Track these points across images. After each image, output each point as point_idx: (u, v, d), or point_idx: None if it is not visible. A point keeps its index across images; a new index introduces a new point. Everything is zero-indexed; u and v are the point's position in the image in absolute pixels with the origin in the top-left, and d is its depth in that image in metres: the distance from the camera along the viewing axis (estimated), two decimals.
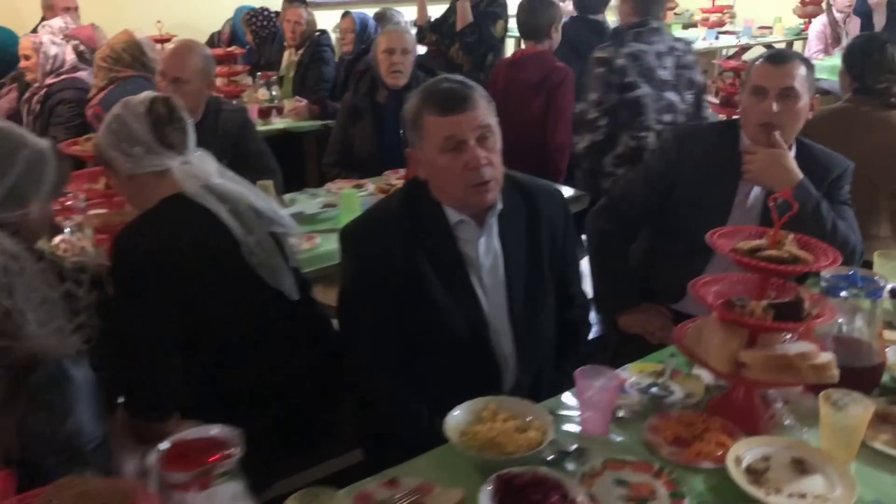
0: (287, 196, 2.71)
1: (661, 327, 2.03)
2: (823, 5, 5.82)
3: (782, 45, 6.48)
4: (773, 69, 1.97)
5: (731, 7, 6.26)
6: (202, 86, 2.56)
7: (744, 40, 5.96)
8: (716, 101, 3.54)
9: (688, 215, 2.08)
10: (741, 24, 6.54)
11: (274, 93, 3.95)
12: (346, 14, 4.32)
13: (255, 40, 4.92)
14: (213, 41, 5.20)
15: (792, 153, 2.04)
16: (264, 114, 3.87)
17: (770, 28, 6.42)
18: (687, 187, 2.07)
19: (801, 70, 1.96)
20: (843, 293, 1.36)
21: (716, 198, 2.05)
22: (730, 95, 3.49)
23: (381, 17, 4.28)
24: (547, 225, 1.70)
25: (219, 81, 4.13)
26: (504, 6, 3.90)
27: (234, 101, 3.97)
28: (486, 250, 1.63)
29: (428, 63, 4.17)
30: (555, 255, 1.72)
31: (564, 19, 3.43)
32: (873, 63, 2.53)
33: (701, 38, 5.78)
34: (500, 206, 1.62)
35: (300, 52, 4.43)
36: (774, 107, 1.94)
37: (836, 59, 4.85)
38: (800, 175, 1.92)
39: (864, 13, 5.88)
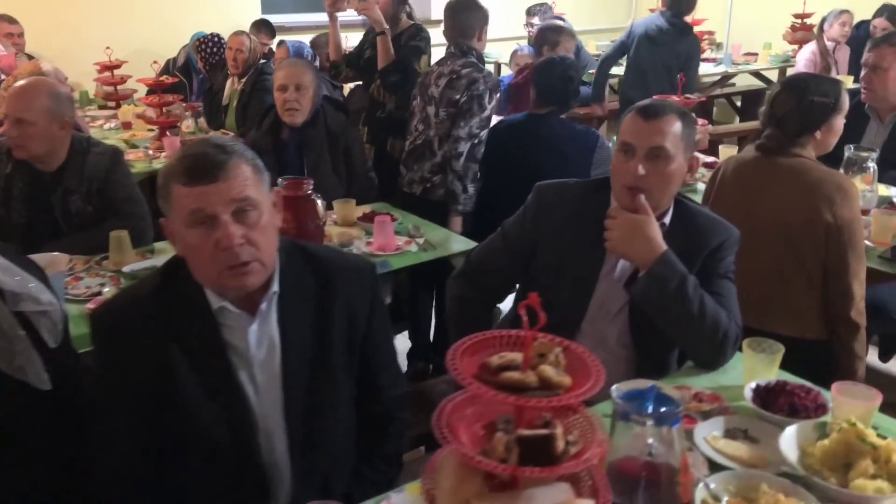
0: (158, 244, 2.49)
1: None
2: (815, 31, 5.49)
3: (772, 73, 6.16)
4: (643, 125, 1.70)
5: (712, 33, 5.95)
6: (51, 127, 2.35)
7: (721, 68, 5.63)
8: None
9: (550, 286, 1.82)
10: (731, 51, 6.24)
11: (198, 123, 3.75)
12: (280, 43, 4.13)
13: (205, 67, 4.76)
14: (169, 68, 5.06)
15: (667, 217, 1.77)
16: None
17: (755, 55, 6.09)
18: (548, 253, 1.81)
19: (676, 126, 1.69)
20: (632, 417, 1.09)
21: (580, 267, 1.78)
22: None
23: (315, 45, 4.08)
24: (344, 308, 1.45)
25: (150, 112, 4.00)
26: (427, 40, 3.57)
27: (169, 132, 3.82)
28: (258, 340, 1.39)
29: (356, 99, 3.96)
30: (353, 343, 1.47)
31: None
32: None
33: None
34: (275, 289, 1.38)
35: (243, 80, 4.26)
36: (640, 168, 1.67)
37: None
38: (662, 247, 1.64)
39: (862, 43, 5.52)
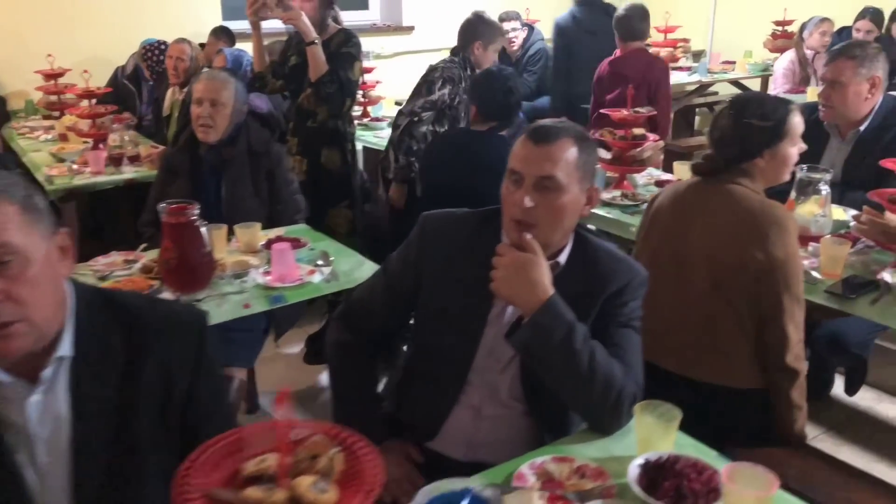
0: None
1: (398, 480, 1.54)
2: (794, 39, 5.28)
3: (751, 83, 5.95)
4: (532, 150, 1.48)
5: (686, 41, 5.72)
6: None
7: (695, 77, 5.41)
8: (607, 156, 3.04)
9: (435, 331, 1.60)
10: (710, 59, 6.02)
11: (127, 137, 3.53)
12: (218, 51, 3.92)
13: (152, 76, 4.57)
14: (117, 76, 4.86)
15: (563, 255, 1.55)
16: (116, 161, 3.46)
17: (733, 63, 5.86)
18: (432, 294, 1.59)
19: (570, 153, 1.47)
20: None
21: (466, 310, 1.56)
22: (623, 150, 2.98)
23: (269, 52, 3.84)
24: (157, 370, 1.23)
25: (82, 125, 3.79)
26: (358, 46, 3.35)
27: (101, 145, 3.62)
28: (41, 414, 1.16)
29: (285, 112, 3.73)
30: (170, 412, 1.25)
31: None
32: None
33: None
34: (62, 353, 1.17)
35: (185, 90, 4.05)
36: (527, 200, 1.45)
37: (803, 99, 4.35)
38: (547, 292, 1.42)
39: None
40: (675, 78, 5.28)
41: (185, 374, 1.26)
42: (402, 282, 1.62)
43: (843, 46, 2.69)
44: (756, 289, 1.84)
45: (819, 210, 2.35)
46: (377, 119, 4.63)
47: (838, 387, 3.04)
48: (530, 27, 5.64)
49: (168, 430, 1.24)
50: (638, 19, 4.04)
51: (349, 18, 6.82)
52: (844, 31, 5.31)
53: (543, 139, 1.48)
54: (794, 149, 1.97)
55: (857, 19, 5.28)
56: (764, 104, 1.95)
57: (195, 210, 2.01)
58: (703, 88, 5.76)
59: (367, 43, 6.62)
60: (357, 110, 4.81)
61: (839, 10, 5.43)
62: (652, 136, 3.00)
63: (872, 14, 5.22)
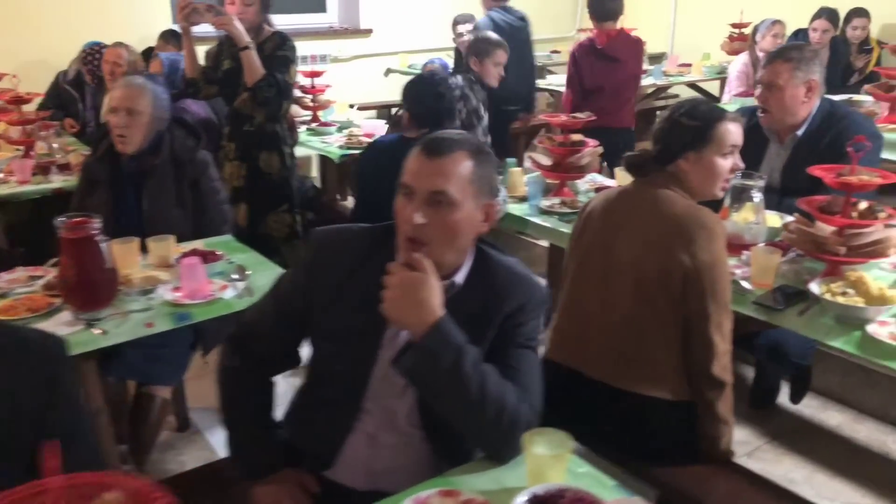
0: None
1: None
2: (748, 42, 5.26)
3: (709, 86, 5.92)
4: (424, 163, 1.40)
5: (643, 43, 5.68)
6: None
7: (650, 80, 5.36)
8: (548, 162, 2.96)
9: (328, 355, 1.52)
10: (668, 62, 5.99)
11: (56, 145, 3.41)
12: (154, 56, 3.80)
13: (93, 80, 4.43)
14: (59, 81, 4.71)
15: (460, 274, 1.47)
16: (44, 170, 3.34)
17: (689, 66, 5.83)
18: (324, 315, 1.49)
19: (464, 166, 1.39)
20: None
21: (359, 332, 1.47)
22: (562, 157, 2.90)
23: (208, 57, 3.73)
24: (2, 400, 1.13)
25: (13, 132, 3.66)
26: (293, 48, 3.29)
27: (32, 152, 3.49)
28: None
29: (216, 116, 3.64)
30: (19, 445, 1.15)
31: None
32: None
33: None
34: None
35: None
36: (418, 216, 1.37)
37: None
38: (436, 314, 1.33)
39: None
40: None
41: (34, 402, 1.16)
42: (291, 302, 1.52)
43: (780, 49, 2.64)
44: (681, 295, 1.78)
45: (752, 218, 2.30)
46: (326, 124, 4.53)
47: (785, 395, 3.00)
48: None
49: (14, 453, 1.14)
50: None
51: (306, 21, 6.74)
52: (801, 33, 5.31)
53: (436, 152, 1.40)
54: (724, 161, 1.91)
55: (813, 19, 5.27)
56: (698, 107, 1.90)
57: (95, 224, 1.91)
58: (660, 91, 5.73)
59: (324, 46, 6.58)
60: (307, 115, 4.73)
61: (795, 11, 5.43)
62: (591, 142, 2.93)
63: (828, 14, 5.22)
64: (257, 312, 1.59)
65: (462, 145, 1.41)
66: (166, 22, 5.70)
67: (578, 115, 2.96)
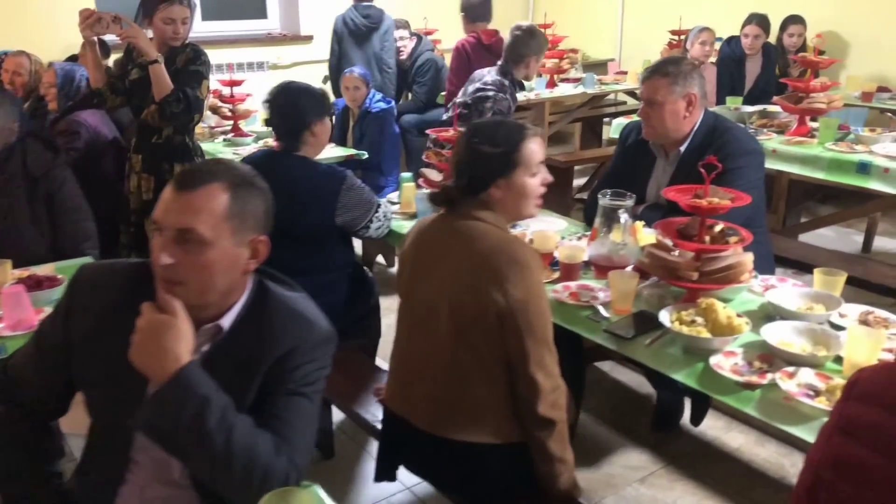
0: None
1: None
2: (681, 49, 5.19)
3: None
4: (173, 198, 1.28)
5: (575, 52, 5.61)
6: None
7: (580, 90, 5.27)
8: (438, 177, 2.86)
9: (92, 400, 1.40)
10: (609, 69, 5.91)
11: None
12: (49, 65, 3.67)
13: None
14: None
15: (229, 316, 1.36)
16: None
17: (625, 73, 5.76)
18: (85, 359, 1.37)
19: (218, 202, 1.28)
20: None
21: (121, 378, 1.32)
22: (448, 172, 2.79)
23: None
24: None
25: None
26: (208, 64, 3.19)
27: None
28: None
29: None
30: None
31: None
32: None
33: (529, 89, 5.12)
34: None
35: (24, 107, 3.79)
36: (164, 257, 1.26)
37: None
38: (179, 362, 1.21)
39: (733, 60, 5.24)
40: (561, 90, 5.15)
41: None
42: (52, 345, 1.40)
43: (657, 64, 2.55)
44: (499, 334, 1.67)
45: (618, 240, 2.21)
46: (243, 134, 4.41)
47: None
48: (419, 37, 5.48)
49: None
50: (480, 4, 4.76)
51: (247, 27, 6.62)
52: (733, 41, 5.24)
53: (186, 185, 1.28)
54: (533, 179, 1.80)
55: (744, 25, 5.21)
56: (497, 130, 1.78)
57: None
58: (597, 100, 5.64)
59: (263, 53, 6.45)
60: (227, 125, 4.61)
61: (727, 18, 5.37)
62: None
63: (759, 20, 5.17)
64: (21, 356, 1.46)
65: (218, 177, 1.29)
66: None
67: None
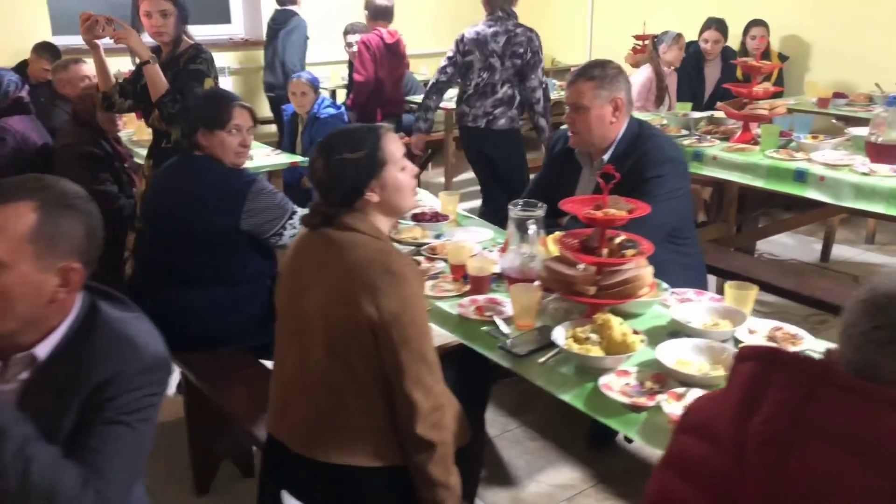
0: None
1: None
2: (648, 54, 5.10)
3: None
4: None
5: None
6: None
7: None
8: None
9: None
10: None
11: None
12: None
13: None
14: None
15: (47, 344, 1.26)
16: None
17: None
18: None
19: (22, 222, 1.20)
20: None
21: None
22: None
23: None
24: None
25: None
26: (210, 61, 3.14)
27: None
28: None
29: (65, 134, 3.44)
30: None
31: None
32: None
33: None
34: None
35: None
36: None
37: (653, 117, 4.17)
38: None
39: (692, 66, 5.18)
40: None
41: None
42: None
43: (582, 67, 2.46)
44: (375, 350, 1.59)
45: (525, 251, 2.12)
46: None
47: None
48: None
49: None
50: (383, 6, 4.99)
51: (211, 32, 6.53)
52: (692, 46, 5.17)
53: None
54: (403, 173, 1.74)
55: (703, 30, 5.15)
56: (351, 136, 1.71)
57: None
58: (559, 106, 5.55)
59: (225, 58, 6.36)
60: None
61: (696, 22, 5.30)
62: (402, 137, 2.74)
63: (717, 24, 5.11)
64: None
65: (26, 195, 1.20)
66: (45, 33, 5.48)
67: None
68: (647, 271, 1.83)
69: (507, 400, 3.10)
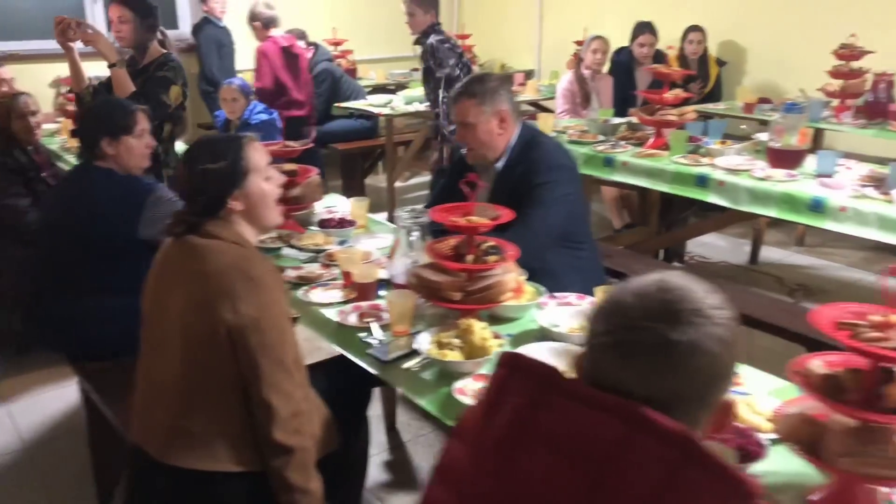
0: None
1: None
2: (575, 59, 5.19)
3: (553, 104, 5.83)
4: None
5: (470, 47, 5.62)
6: None
7: None
8: None
9: None
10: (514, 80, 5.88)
11: None
12: None
13: None
14: None
15: None
16: None
17: (524, 84, 5.74)
18: None
19: None
20: None
21: None
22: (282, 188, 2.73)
23: None
24: None
25: None
26: (177, 69, 3.24)
27: None
28: None
29: None
30: None
31: None
32: None
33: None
34: None
35: None
36: None
37: (576, 122, 4.23)
38: None
39: (623, 70, 5.25)
40: None
41: None
42: None
43: (463, 85, 2.50)
44: (232, 355, 1.61)
45: (414, 256, 2.15)
46: None
47: None
48: (317, 46, 5.42)
49: None
50: (269, 15, 5.06)
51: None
52: (623, 51, 5.25)
53: None
54: (267, 183, 1.77)
55: (636, 34, 5.22)
56: (213, 146, 1.74)
57: None
58: None
59: None
60: None
61: (629, 29, 5.36)
62: (311, 170, 2.77)
63: (650, 28, 5.20)
64: None
65: None
66: None
67: (292, 143, 2.80)
68: (511, 277, 1.87)
69: None
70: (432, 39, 4.20)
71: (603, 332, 0.92)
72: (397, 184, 5.57)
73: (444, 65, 4.19)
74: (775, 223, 4.76)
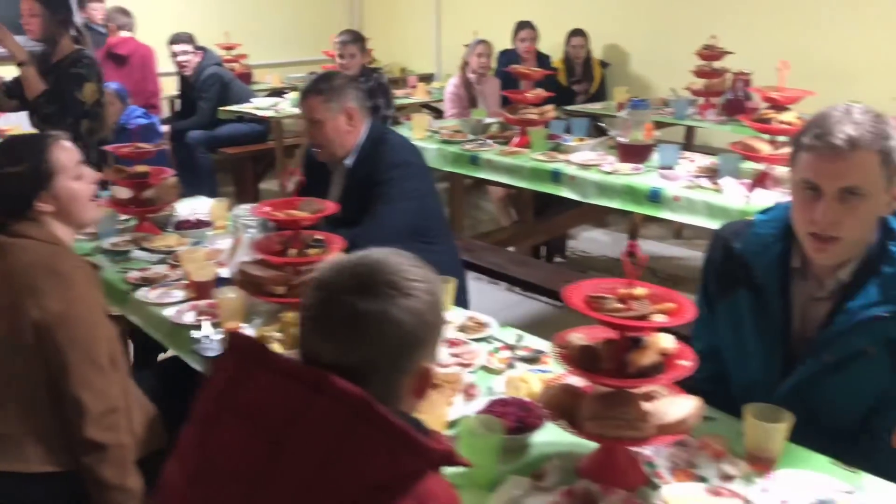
0: None
1: None
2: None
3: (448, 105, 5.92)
4: None
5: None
6: None
7: None
8: (126, 195, 2.75)
9: None
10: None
11: None
12: None
13: None
14: None
15: None
16: None
17: (415, 87, 5.82)
18: None
19: None
20: None
21: None
22: (135, 191, 2.71)
23: None
24: None
25: None
26: (92, 65, 3.25)
27: None
28: None
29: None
30: None
31: None
32: None
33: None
34: None
35: None
36: None
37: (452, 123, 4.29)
38: None
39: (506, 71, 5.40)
40: None
41: None
42: None
43: (311, 82, 2.55)
44: (39, 353, 1.61)
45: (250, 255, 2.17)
46: None
47: None
48: (205, 51, 5.37)
49: None
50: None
51: None
52: (506, 53, 5.39)
53: None
54: (78, 183, 1.78)
55: (517, 31, 5.37)
56: (12, 150, 1.76)
57: None
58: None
59: None
60: None
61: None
62: (166, 172, 2.75)
63: (529, 25, 5.38)
64: None
65: None
66: None
67: (144, 145, 2.78)
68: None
69: None
70: None
71: (307, 306, 0.97)
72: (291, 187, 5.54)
73: None
74: (651, 218, 4.97)
